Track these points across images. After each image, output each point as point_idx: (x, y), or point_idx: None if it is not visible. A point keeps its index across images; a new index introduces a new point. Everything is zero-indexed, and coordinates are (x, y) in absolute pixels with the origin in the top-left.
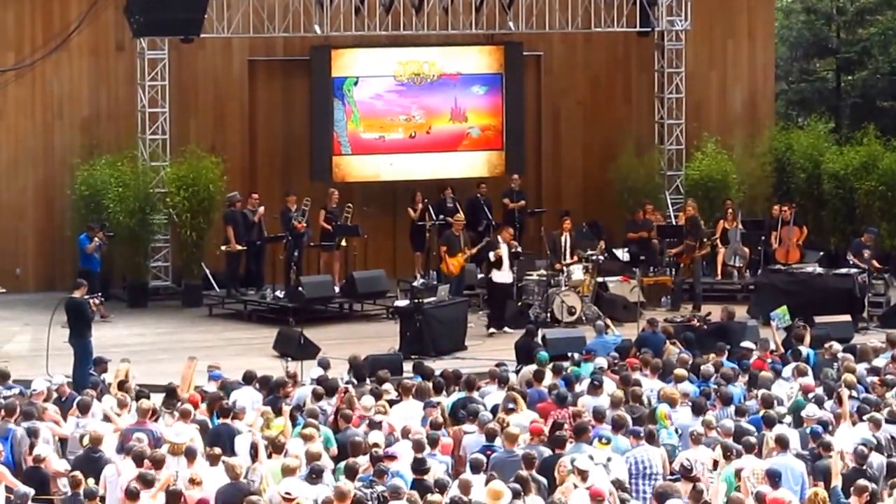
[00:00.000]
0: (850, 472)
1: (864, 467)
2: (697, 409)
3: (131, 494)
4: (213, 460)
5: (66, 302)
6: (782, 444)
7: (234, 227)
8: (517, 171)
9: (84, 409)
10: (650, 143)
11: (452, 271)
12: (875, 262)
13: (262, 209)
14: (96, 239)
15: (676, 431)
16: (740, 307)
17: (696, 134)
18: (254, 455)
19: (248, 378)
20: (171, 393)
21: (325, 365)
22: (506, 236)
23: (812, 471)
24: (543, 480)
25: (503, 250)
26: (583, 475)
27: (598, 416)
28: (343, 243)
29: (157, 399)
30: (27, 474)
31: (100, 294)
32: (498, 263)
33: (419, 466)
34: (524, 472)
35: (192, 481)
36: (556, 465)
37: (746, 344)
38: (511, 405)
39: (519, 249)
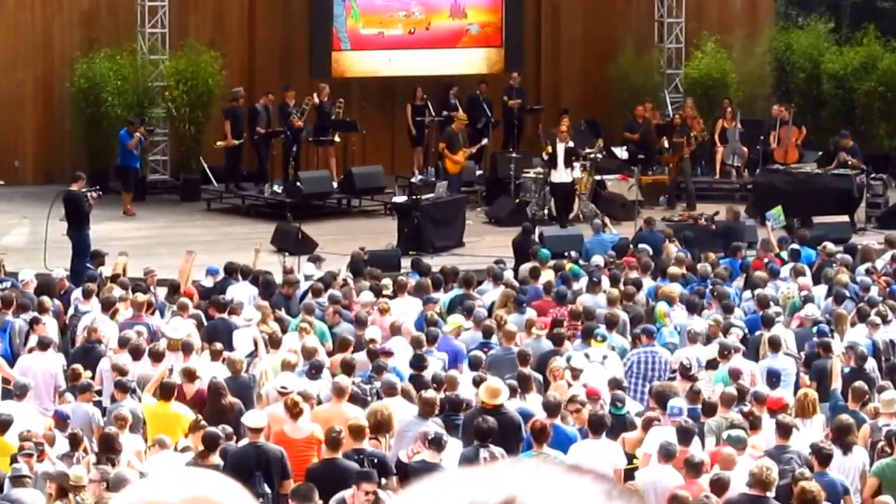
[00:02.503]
0: (849, 373)
1: (864, 368)
2: (692, 308)
3: (122, 387)
4: (215, 356)
5: (63, 195)
6: (773, 344)
7: (233, 122)
8: (516, 69)
9: (87, 294)
10: (650, 42)
11: (454, 169)
12: (853, 161)
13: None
14: (137, 134)
15: (676, 329)
16: (738, 207)
17: (696, 33)
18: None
19: (245, 273)
20: (174, 289)
21: (315, 260)
22: (561, 133)
23: (809, 371)
24: (539, 377)
25: (559, 148)
26: (574, 373)
27: (590, 314)
28: (337, 138)
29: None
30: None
31: (97, 187)
32: (552, 162)
33: (419, 363)
34: (525, 370)
35: (190, 375)
36: (549, 366)
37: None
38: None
39: (569, 145)
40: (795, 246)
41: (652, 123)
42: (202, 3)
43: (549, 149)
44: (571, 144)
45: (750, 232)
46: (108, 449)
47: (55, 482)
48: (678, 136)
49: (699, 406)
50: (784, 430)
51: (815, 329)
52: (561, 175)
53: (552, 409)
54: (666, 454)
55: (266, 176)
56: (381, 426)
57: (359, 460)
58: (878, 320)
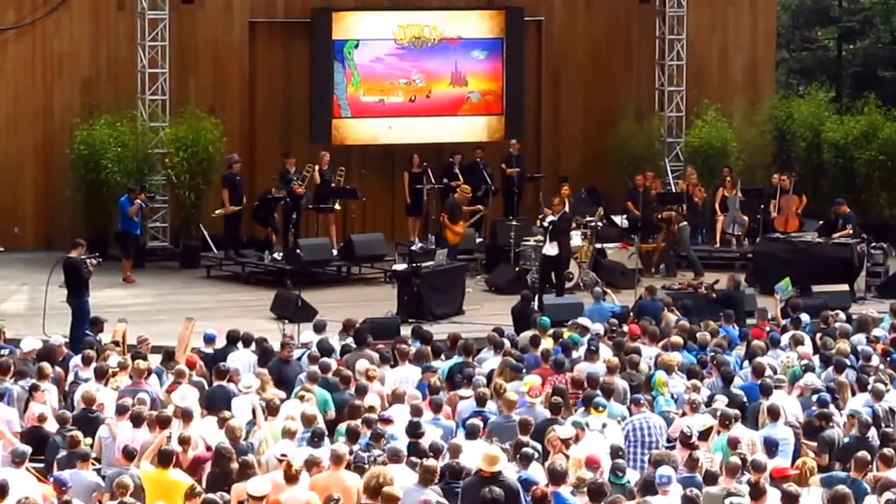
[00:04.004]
0: (853, 441)
1: (868, 436)
2: (692, 377)
3: (129, 455)
4: (222, 423)
5: (63, 261)
6: (772, 413)
7: (231, 190)
8: (516, 137)
9: (86, 361)
10: (650, 110)
11: (454, 240)
12: (845, 230)
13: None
14: (138, 201)
15: (673, 398)
16: (738, 275)
17: (697, 101)
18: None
19: (246, 340)
20: (168, 355)
21: (319, 328)
22: (554, 206)
23: (818, 441)
24: (538, 446)
25: (548, 221)
26: (565, 443)
27: (593, 382)
28: (337, 206)
29: (152, 359)
30: (28, 433)
31: (97, 254)
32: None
33: (414, 430)
34: (524, 438)
35: (185, 442)
36: (547, 436)
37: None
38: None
39: (551, 219)
40: (803, 315)
41: (652, 192)
42: (203, 70)
43: (538, 220)
44: (553, 218)
45: (750, 300)
46: None
47: None
48: (671, 202)
49: (696, 475)
50: (790, 500)
51: (816, 398)
52: (546, 248)
53: (558, 476)
54: None
55: (271, 244)
56: (379, 490)
57: None
58: (882, 388)
